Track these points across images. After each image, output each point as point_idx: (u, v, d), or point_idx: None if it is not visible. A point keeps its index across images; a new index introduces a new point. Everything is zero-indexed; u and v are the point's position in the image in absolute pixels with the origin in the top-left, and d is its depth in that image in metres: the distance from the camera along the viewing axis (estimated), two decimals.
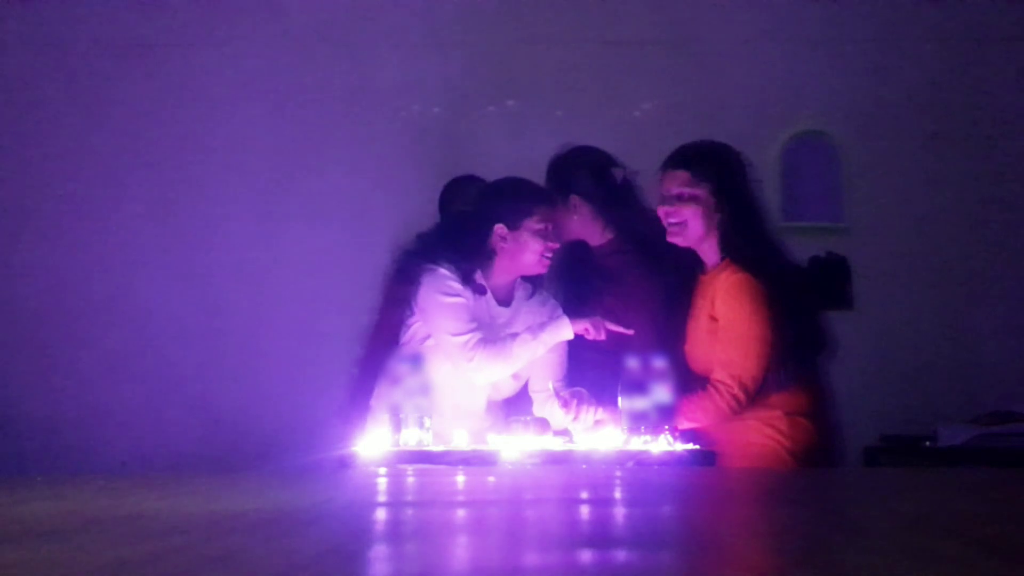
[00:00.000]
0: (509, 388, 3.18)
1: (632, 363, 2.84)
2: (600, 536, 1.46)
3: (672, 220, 3.04)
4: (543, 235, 3.06)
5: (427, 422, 2.90)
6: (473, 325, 3.00)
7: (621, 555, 1.28)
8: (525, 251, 3.06)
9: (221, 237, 4.49)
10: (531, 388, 3.16)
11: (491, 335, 3.03)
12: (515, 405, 3.28)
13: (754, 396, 2.95)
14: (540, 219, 3.06)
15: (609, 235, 3.29)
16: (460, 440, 2.92)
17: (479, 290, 3.07)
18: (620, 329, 2.99)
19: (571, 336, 3.02)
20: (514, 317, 3.14)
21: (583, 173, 3.29)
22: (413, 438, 2.88)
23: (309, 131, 4.51)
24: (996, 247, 4.46)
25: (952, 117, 4.50)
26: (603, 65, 4.54)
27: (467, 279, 3.05)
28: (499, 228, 3.05)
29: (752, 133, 4.49)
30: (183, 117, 4.52)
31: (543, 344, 3.01)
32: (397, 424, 2.90)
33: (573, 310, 3.18)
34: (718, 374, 2.95)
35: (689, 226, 3.03)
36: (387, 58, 4.54)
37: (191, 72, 4.53)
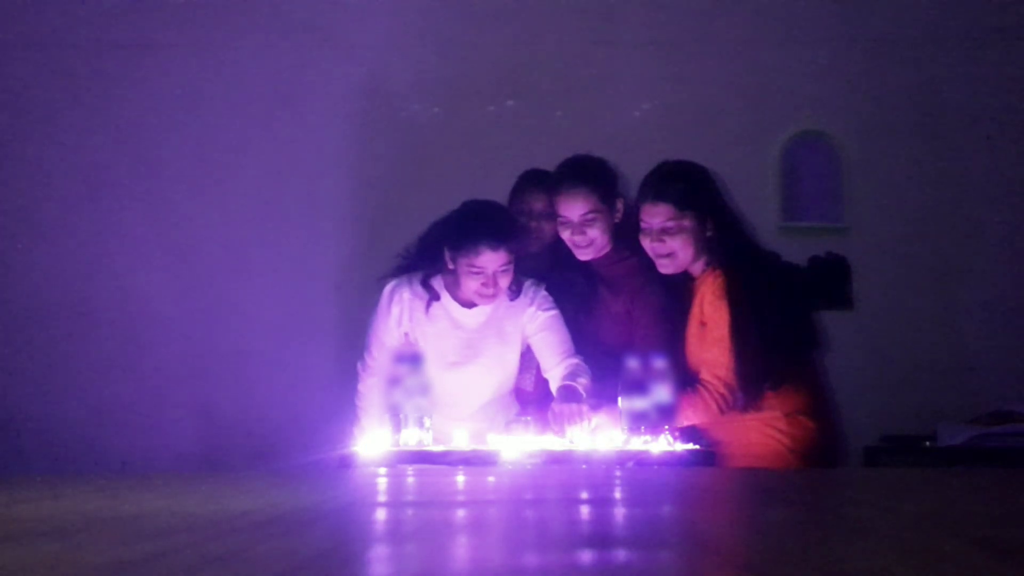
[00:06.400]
0: (504, 382, 3.22)
1: (632, 363, 2.85)
2: (600, 536, 1.46)
3: (662, 252, 3.05)
4: (476, 277, 3.08)
5: (427, 422, 2.92)
6: (377, 350, 3.20)
7: (621, 555, 1.28)
8: (463, 282, 3.11)
9: (221, 237, 4.49)
10: (544, 372, 3.20)
11: (460, 340, 3.17)
12: (521, 401, 3.30)
13: (741, 395, 2.97)
14: (476, 263, 3.06)
15: (609, 245, 3.30)
16: (460, 440, 2.93)
17: (434, 295, 3.17)
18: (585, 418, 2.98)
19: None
20: (490, 320, 3.18)
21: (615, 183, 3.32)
22: (413, 438, 2.89)
23: (309, 131, 4.52)
24: (996, 247, 4.46)
25: (952, 117, 4.50)
26: (603, 65, 4.54)
27: (425, 285, 3.18)
28: (447, 252, 3.12)
29: (752, 133, 4.50)
30: (183, 117, 4.52)
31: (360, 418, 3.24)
32: (397, 424, 2.91)
33: (581, 321, 3.22)
34: (704, 374, 2.98)
35: (679, 255, 3.05)
36: (387, 58, 4.54)
37: (191, 73, 4.53)
